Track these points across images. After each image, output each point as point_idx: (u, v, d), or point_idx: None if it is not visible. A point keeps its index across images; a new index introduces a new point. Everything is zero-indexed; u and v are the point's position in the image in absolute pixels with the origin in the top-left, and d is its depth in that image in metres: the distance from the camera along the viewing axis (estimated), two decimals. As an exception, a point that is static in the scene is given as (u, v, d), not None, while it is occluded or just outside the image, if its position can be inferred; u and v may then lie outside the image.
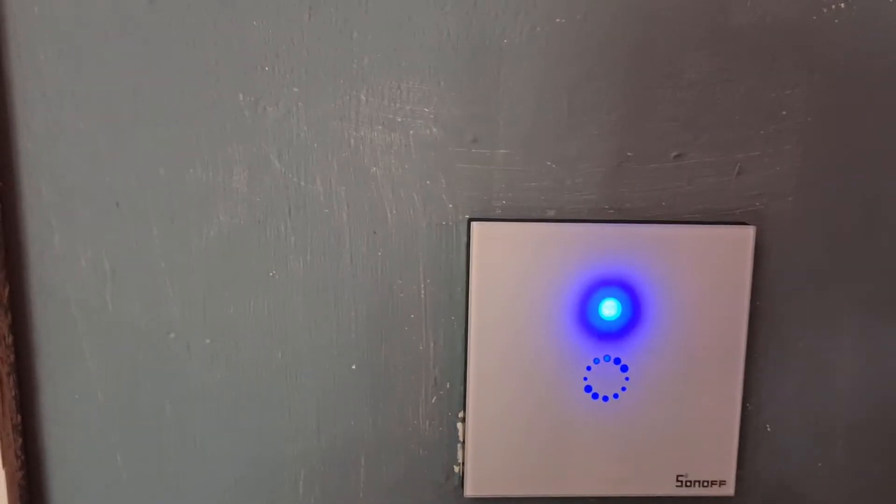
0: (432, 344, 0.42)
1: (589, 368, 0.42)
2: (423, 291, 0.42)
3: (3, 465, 0.39)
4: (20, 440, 0.40)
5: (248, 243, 0.41)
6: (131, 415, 0.42)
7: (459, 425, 0.43)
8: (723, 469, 0.43)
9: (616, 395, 0.42)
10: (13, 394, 0.40)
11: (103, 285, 0.40)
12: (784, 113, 0.41)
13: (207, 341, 0.41)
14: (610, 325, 0.41)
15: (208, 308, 0.41)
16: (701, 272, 0.41)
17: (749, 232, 0.41)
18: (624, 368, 0.42)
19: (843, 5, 0.40)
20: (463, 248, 0.42)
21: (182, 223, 0.40)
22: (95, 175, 0.40)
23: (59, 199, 0.40)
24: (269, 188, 0.40)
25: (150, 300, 0.41)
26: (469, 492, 0.43)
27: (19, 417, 0.40)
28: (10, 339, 0.39)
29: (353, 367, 0.42)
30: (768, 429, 0.44)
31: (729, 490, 0.43)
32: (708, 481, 0.43)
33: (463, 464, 0.43)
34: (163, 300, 0.41)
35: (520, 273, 0.41)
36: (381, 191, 0.41)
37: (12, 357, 0.40)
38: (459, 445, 0.43)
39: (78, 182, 0.40)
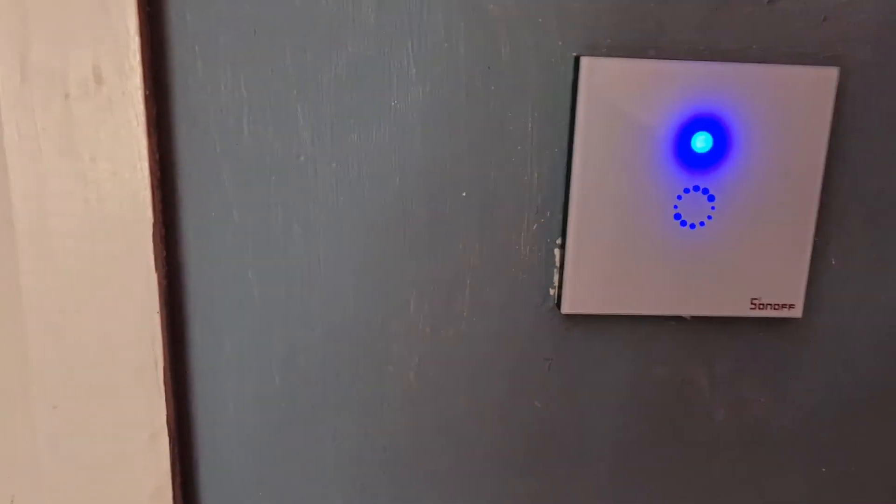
0: (536, 174, 0.46)
1: (679, 197, 0.46)
2: (530, 125, 0.45)
3: (156, 269, 0.43)
4: (164, 251, 0.44)
5: (373, 73, 0.44)
6: (262, 233, 0.46)
7: (556, 251, 0.47)
8: (792, 294, 0.48)
9: (703, 223, 0.46)
10: (160, 207, 0.43)
11: (241, 111, 0.44)
12: (869, -37, 0.44)
13: (333, 165, 0.45)
14: (701, 157, 0.45)
15: (334, 134, 0.45)
16: (786, 110, 0.45)
17: (832, 73, 0.45)
18: (711, 198, 0.46)
19: None
20: (569, 84, 0.45)
21: (313, 52, 0.43)
22: (235, 3, 0.42)
23: (202, 26, 0.43)
24: (394, 21, 0.43)
25: (283, 125, 0.44)
26: (566, 310, 0.47)
27: (164, 229, 0.44)
28: (157, 156, 0.43)
29: (464, 194, 0.46)
30: (833, 262, 0.49)
31: (797, 313, 0.48)
32: (778, 304, 0.48)
33: (560, 286, 0.47)
34: (293, 126, 0.44)
35: (621, 107, 0.44)
36: (497, 27, 0.44)
37: (159, 173, 0.43)
38: (556, 269, 0.48)
39: (219, 9, 0.42)
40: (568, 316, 0.49)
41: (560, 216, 0.47)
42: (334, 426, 0.49)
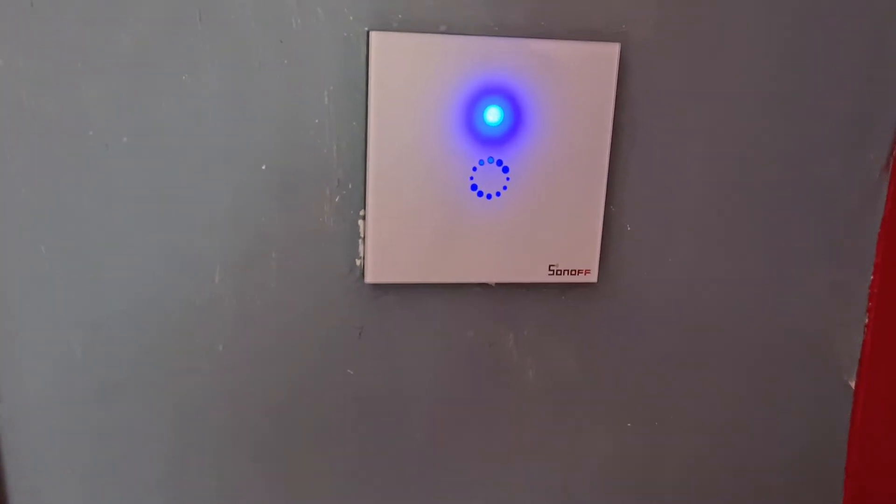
0: (335, 147, 0.47)
1: (475, 169, 0.47)
2: (326, 98, 0.46)
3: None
4: (-53, 229, 0.43)
5: (162, 48, 0.44)
6: (54, 208, 0.45)
7: (360, 222, 0.48)
8: (588, 260, 0.51)
9: (498, 194, 0.48)
10: (-62, 184, 0.42)
11: (20, 83, 0.43)
12: (649, -57, 0.46)
13: (125, 140, 0.45)
14: (493, 130, 0.47)
15: (124, 109, 0.44)
16: (573, 84, 0.47)
17: (614, 49, 0.47)
18: (505, 169, 0.48)
19: None
20: (363, 58, 0.46)
21: (99, 27, 0.43)
22: (7, -26, 0.41)
23: (-28, -4, 0.41)
24: (180, -6, 0.43)
25: (67, 99, 0.43)
26: (369, 279, 0.48)
27: (-55, 207, 0.43)
28: (-69, 131, 0.42)
29: (264, 167, 0.47)
30: (628, 228, 0.52)
31: (593, 278, 0.51)
32: (575, 270, 0.50)
33: (364, 256, 0.49)
34: (79, 100, 0.44)
35: (414, 82, 0.45)
36: (286, 0, 0.44)
37: (-66, 149, 0.42)
38: (360, 241, 0.49)
39: (-10, -20, 0.41)
40: (376, 285, 0.50)
41: (362, 188, 0.48)
42: (142, 398, 0.49)
